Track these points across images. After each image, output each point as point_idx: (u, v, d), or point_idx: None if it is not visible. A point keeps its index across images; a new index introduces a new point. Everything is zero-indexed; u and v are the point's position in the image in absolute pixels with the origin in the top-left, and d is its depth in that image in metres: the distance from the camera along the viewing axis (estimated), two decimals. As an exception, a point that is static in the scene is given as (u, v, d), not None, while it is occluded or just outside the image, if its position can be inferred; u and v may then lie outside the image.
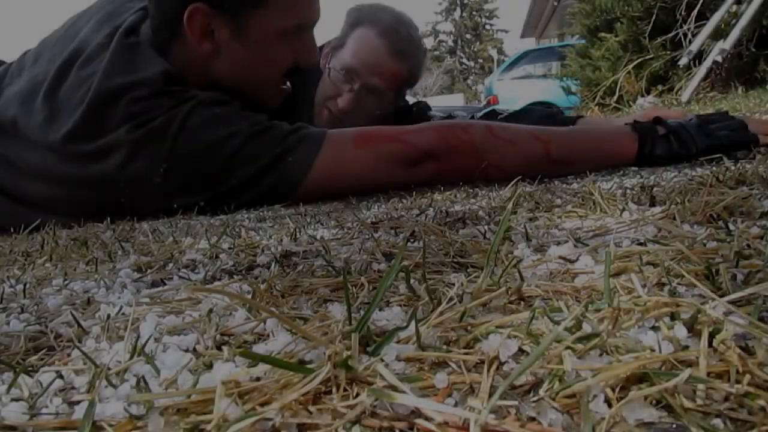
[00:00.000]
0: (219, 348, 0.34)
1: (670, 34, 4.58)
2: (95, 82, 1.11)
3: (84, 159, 1.10)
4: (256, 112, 1.19)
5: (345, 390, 0.26)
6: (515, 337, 0.30)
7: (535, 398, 0.25)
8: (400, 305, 0.38)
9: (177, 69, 1.17)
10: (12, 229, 1.08)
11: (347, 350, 0.28)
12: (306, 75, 1.61)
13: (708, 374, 0.24)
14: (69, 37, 1.24)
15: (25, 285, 0.55)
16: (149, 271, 0.58)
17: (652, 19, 4.61)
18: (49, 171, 1.13)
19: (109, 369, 0.31)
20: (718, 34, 4.20)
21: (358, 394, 0.26)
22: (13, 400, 0.30)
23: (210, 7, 1.16)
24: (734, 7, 4.19)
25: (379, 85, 1.59)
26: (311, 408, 0.25)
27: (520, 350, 0.29)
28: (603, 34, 5.07)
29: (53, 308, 0.48)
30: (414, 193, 1.11)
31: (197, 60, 1.21)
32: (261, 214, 1.04)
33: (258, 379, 0.28)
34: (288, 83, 1.33)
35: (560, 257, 0.45)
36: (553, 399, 0.24)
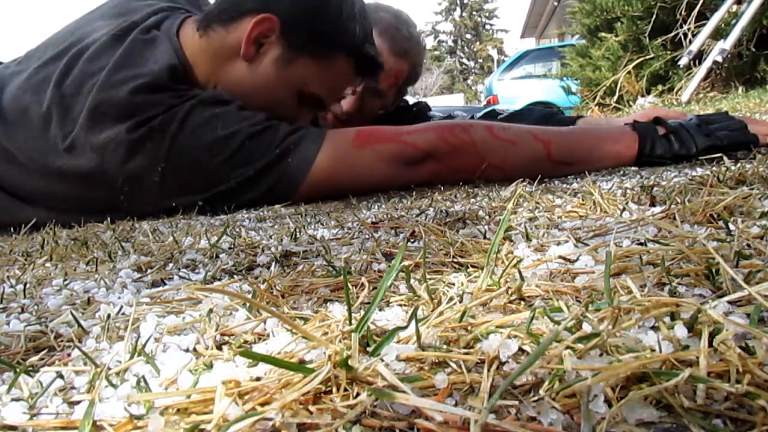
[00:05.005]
0: (219, 348, 0.34)
1: (670, 34, 4.58)
2: (104, 73, 1.12)
3: (85, 152, 1.10)
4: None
5: (345, 390, 0.26)
6: (515, 337, 0.30)
7: (535, 398, 0.25)
8: (400, 305, 0.38)
9: (189, 59, 1.20)
10: (12, 229, 1.08)
11: (347, 350, 0.28)
12: None
13: (708, 374, 0.24)
14: (80, 29, 1.25)
15: (25, 285, 0.55)
16: (149, 271, 0.58)
17: (652, 19, 4.61)
18: (50, 165, 1.12)
19: (109, 369, 0.31)
20: (718, 34, 4.20)
21: (358, 394, 0.26)
22: (13, 400, 0.30)
23: (280, 28, 1.19)
24: (734, 7, 4.19)
25: (381, 85, 1.59)
26: (311, 408, 0.25)
27: (520, 350, 0.29)
28: (603, 34, 5.07)
29: (53, 308, 0.48)
30: (414, 193, 1.11)
31: (222, 54, 1.22)
32: (261, 214, 1.04)
33: (258, 379, 0.28)
34: None
35: (560, 257, 0.45)
36: (554, 399, 0.24)
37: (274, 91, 1.25)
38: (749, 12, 3.96)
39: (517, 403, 0.24)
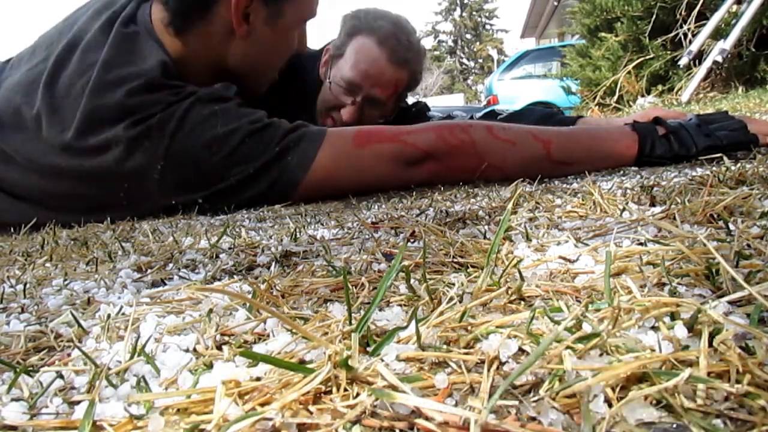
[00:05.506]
0: (219, 348, 0.34)
1: (670, 34, 4.59)
2: (95, 73, 1.11)
3: (83, 153, 1.10)
4: (251, 103, 1.20)
5: (345, 390, 0.26)
6: (515, 337, 0.30)
7: (535, 398, 0.25)
8: (400, 305, 0.38)
9: (176, 59, 1.19)
10: (12, 229, 1.08)
11: (347, 350, 0.28)
12: (305, 81, 1.61)
13: (708, 374, 0.24)
14: (68, 26, 1.25)
15: (25, 285, 0.55)
16: (149, 271, 0.58)
17: (652, 19, 4.61)
18: (48, 164, 1.12)
19: (109, 369, 0.31)
20: (718, 34, 4.20)
21: (358, 394, 0.26)
22: (13, 400, 0.30)
23: None
24: (734, 7, 4.19)
25: (381, 95, 1.58)
26: (311, 408, 0.25)
27: (520, 350, 0.29)
28: (603, 34, 5.07)
29: (53, 308, 0.48)
30: (414, 193, 1.11)
31: (216, 44, 1.22)
32: (261, 214, 1.04)
33: (258, 379, 0.28)
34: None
35: (560, 257, 0.45)
36: (554, 399, 0.24)
37: (282, 46, 1.29)
38: (749, 12, 3.96)
39: (517, 403, 0.24)
